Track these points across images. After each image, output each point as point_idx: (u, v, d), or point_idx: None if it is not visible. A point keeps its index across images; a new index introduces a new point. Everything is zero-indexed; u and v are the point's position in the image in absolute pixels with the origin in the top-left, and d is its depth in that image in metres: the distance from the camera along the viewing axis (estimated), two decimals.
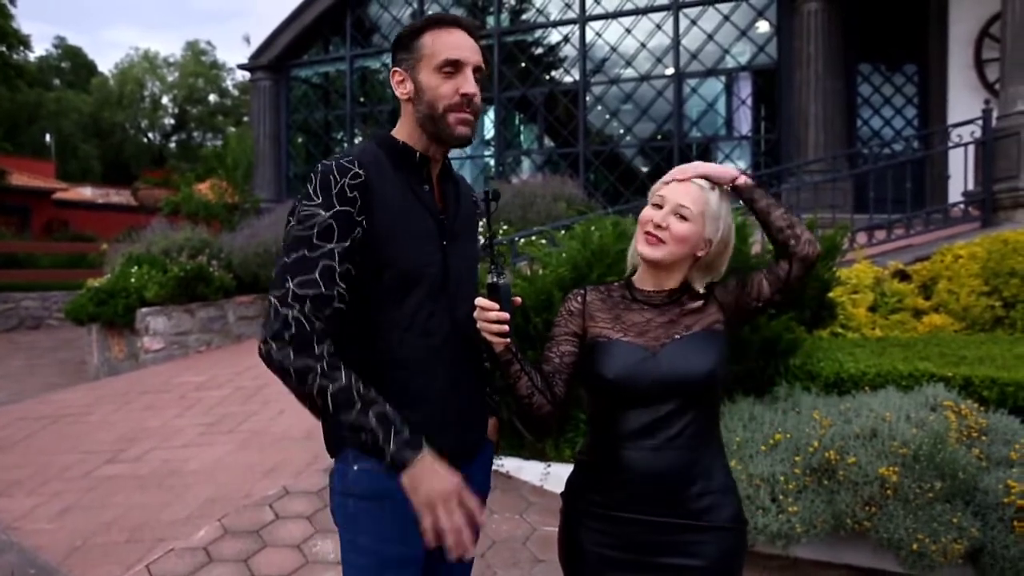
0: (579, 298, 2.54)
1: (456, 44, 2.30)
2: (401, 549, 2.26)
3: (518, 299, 2.30)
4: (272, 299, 2.15)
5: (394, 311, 2.26)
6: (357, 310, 2.24)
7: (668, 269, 2.46)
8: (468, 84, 2.30)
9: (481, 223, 2.55)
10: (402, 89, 2.35)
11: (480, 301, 2.20)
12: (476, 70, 2.33)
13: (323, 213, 2.15)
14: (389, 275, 2.24)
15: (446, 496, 2.09)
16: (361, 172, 2.20)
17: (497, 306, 2.19)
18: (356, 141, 18.77)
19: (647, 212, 2.46)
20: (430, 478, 2.09)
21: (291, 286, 2.12)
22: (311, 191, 2.19)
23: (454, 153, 2.47)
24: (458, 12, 17.15)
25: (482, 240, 2.50)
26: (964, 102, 12.63)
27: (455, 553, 2.09)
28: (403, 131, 2.38)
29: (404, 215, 2.27)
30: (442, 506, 2.08)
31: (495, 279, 2.22)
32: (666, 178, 2.50)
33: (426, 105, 2.30)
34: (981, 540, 4.23)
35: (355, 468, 2.26)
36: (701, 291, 2.48)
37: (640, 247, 2.46)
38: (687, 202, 2.41)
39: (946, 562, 4.21)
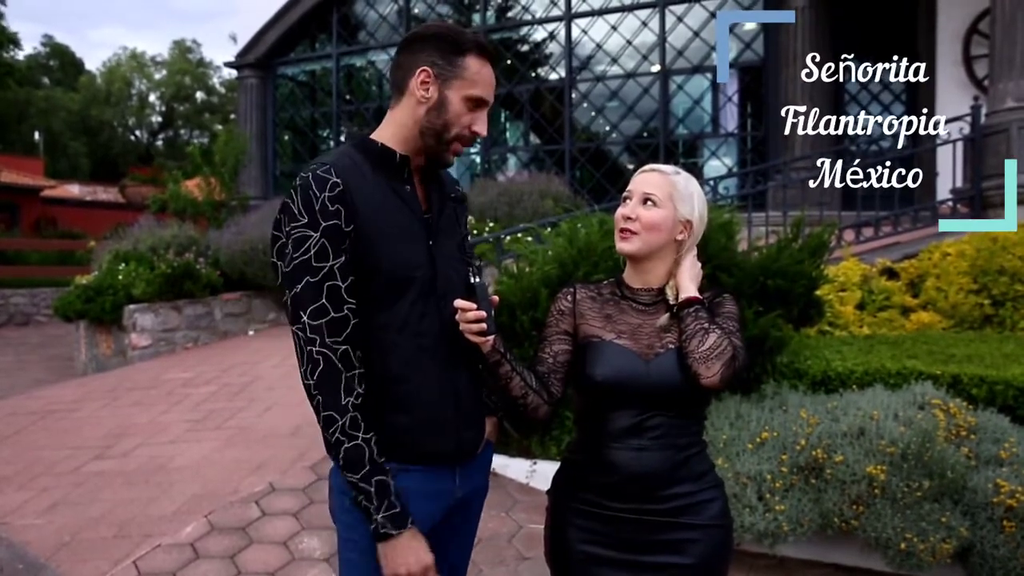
0: (569, 296, 2.54)
1: (490, 82, 2.35)
2: None
3: (495, 298, 2.28)
4: (295, 333, 2.19)
5: (386, 314, 2.25)
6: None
7: (651, 261, 2.47)
8: (482, 125, 2.35)
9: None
10: (423, 91, 2.29)
11: (458, 303, 2.19)
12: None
13: (313, 234, 2.14)
14: (380, 279, 2.22)
15: (413, 575, 2.19)
16: (339, 181, 2.18)
17: (475, 306, 2.17)
18: (342, 139, 18.77)
19: (618, 210, 2.48)
20: (404, 555, 2.18)
21: (306, 319, 2.16)
22: (296, 211, 2.16)
23: None
24: (444, 10, 17.24)
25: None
26: (953, 99, 12.59)
27: None
28: (391, 130, 2.35)
29: (389, 218, 2.26)
30: None
31: (473, 279, 2.22)
32: None
33: (442, 122, 2.29)
34: (970, 539, 4.23)
35: None
36: (673, 298, 2.45)
37: (617, 244, 2.48)
38: (652, 189, 2.43)
39: (934, 561, 4.20)
